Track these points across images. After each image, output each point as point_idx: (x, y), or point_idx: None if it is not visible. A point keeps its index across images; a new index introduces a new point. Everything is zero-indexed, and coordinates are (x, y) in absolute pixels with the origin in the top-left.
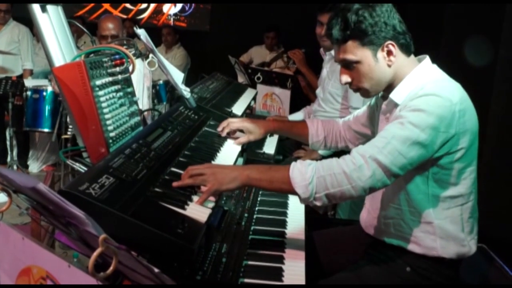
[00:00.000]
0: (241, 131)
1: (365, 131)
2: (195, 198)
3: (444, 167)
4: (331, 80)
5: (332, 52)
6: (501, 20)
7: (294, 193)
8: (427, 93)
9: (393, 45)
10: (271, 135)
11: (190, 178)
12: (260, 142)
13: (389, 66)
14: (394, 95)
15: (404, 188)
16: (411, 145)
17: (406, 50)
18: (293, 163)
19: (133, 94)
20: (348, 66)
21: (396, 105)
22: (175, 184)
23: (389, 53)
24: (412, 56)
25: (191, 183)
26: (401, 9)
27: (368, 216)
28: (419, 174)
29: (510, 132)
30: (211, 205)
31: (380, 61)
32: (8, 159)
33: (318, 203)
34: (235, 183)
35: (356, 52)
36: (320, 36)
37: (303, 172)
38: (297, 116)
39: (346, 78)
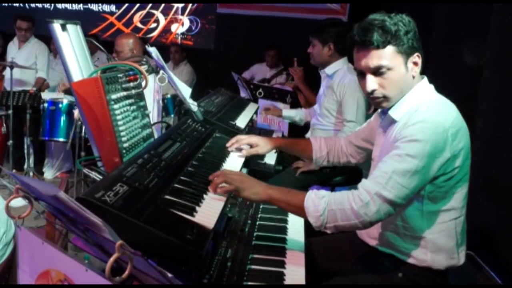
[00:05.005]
0: (250, 146)
1: (365, 145)
2: (203, 205)
3: (439, 185)
4: (326, 96)
5: (326, 70)
6: (488, 22)
7: (307, 219)
8: (421, 120)
9: (419, 56)
10: (276, 151)
11: (222, 177)
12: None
13: (413, 77)
14: (392, 112)
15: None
16: (412, 176)
17: (421, 65)
18: (308, 193)
19: (145, 107)
20: (378, 72)
21: (393, 121)
22: (211, 179)
23: (415, 64)
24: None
25: (221, 180)
26: (392, 10)
27: None
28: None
29: (495, 139)
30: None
31: (408, 71)
32: (25, 166)
33: (328, 231)
34: (257, 196)
35: (392, 58)
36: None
37: (316, 204)
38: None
39: (373, 85)
